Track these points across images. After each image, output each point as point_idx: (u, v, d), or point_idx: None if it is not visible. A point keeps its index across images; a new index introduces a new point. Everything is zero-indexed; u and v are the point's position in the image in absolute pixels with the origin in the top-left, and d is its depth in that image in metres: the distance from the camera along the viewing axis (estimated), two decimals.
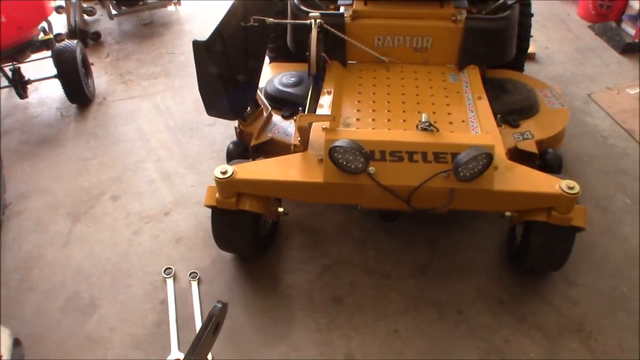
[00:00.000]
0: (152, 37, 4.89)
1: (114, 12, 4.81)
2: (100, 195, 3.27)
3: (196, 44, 2.49)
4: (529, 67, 4.12)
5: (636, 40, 4.67)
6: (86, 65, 4.03)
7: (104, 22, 5.09)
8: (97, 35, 4.80)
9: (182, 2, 5.15)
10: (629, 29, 4.93)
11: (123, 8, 4.85)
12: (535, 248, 2.52)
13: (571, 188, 2.27)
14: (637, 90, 4.15)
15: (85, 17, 4.89)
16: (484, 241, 2.94)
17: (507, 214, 2.61)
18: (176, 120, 3.86)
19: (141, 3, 4.90)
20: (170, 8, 5.23)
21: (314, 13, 2.86)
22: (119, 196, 3.26)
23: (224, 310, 2.11)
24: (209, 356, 2.41)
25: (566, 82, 4.24)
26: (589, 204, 3.08)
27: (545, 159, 2.91)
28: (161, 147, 3.63)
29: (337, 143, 2.21)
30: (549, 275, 2.75)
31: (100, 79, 4.31)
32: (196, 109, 3.90)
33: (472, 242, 2.93)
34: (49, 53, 3.91)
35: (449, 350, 2.44)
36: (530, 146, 2.88)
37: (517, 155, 2.80)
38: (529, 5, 3.58)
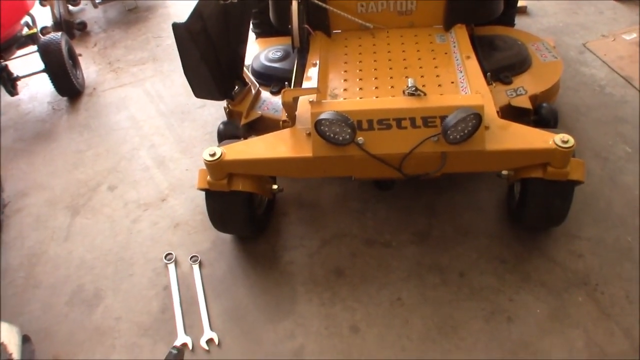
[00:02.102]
0: (137, 22, 4.84)
1: (98, 0, 4.74)
2: (97, 187, 3.27)
3: (176, 26, 2.45)
4: (520, 21, 4.04)
5: None
6: (73, 56, 4.00)
7: (89, 11, 5.03)
8: (83, 25, 4.75)
9: None
10: None
11: None
12: (534, 205, 2.49)
13: (565, 142, 2.23)
14: (635, 36, 4.06)
15: (70, 7, 4.84)
16: (482, 202, 2.91)
17: (504, 172, 2.58)
18: (167, 105, 3.83)
19: None
20: None
21: None
22: (116, 186, 3.26)
23: (180, 355, 2.16)
24: (215, 338, 2.43)
25: (560, 33, 4.15)
26: (589, 155, 3.04)
27: (541, 113, 2.85)
28: (154, 133, 3.61)
29: (322, 116, 2.18)
30: (550, 231, 2.72)
31: (89, 69, 4.28)
32: (186, 92, 3.83)
33: (471, 203, 2.91)
34: (35, 47, 3.87)
35: (453, 314, 2.43)
36: (524, 102, 2.82)
37: (512, 112, 2.75)
38: None
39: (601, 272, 2.54)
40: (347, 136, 2.22)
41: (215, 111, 3.68)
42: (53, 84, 3.84)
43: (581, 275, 2.53)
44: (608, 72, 3.74)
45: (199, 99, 3.52)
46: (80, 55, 4.19)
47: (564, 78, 3.10)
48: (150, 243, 2.91)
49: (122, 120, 3.75)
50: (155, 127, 3.66)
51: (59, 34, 3.85)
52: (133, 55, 4.40)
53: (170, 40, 4.50)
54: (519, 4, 3.79)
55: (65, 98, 3.99)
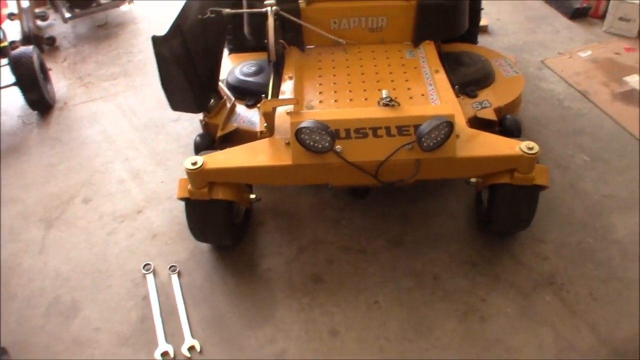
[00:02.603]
0: (108, 38, 4.85)
1: (67, 15, 4.73)
2: (71, 200, 3.26)
3: (155, 39, 2.51)
4: (482, 40, 4.21)
5: (585, 5, 4.81)
6: (44, 70, 3.99)
7: (58, 26, 5.01)
8: (52, 40, 4.73)
9: (135, 1, 5.10)
10: None
11: (77, 10, 4.78)
12: (502, 210, 2.62)
13: (531, 148, 2.37)
14: (589, 53, 4.30)
15: (39, 22, 4.82)
16: (452, 209, 3.04)
17: (472, 180, 2.71)
18: (140, 119, 3.85)
19: (94, 4, 4.84)
20: (124, 8, 5.16)
21: (270, 1, 2.89)
22: (90, 198, 3.26)
23: None
24: (197, 345, 2.46)
25: (519, 51, 4.36)
26: (550, 164, 3.20)
27: (505, 125, 3.01)
28: (128, 146, 3.62)
29: (303, 124, 2.26)
30: (517, 235, 2.86)
31: (59, 83, 4.26)
32: (159, 106, 3.90)
33: (442, 211, 3.03)
34: (4, 61, 3.85)
35: (429, 315, 2.53)
36: (489, 114, 2.98)
37: (478, 123, 2.89)
38: None
39: (566, 272, 2.69)
40: (327, 144, 2.30)
41: (189, 125, 3.72)
42: (24, 98, 3.81)
43: (547, 276, 2.67)
44: (565, 87, 3.95)
45: (172, 113, 3.62)
46: (50, 69, 4.18)
47: (524, 92, 3.28)
48: (127, 254, 2.92)
49: (95, 134, 3.76)
50: (128, 140, 3.67)
51: (31, 47, 3.84)
52: (104, 71, 4.41)
53: (141, 56, 4.54)
54: (481, 23, 3.98)
55: (35, 112, 3.97)
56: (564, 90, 3.92)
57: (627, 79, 4.00)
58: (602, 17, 4.68)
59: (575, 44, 4.45)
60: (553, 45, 4.45)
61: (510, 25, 4.74)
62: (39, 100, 3.85)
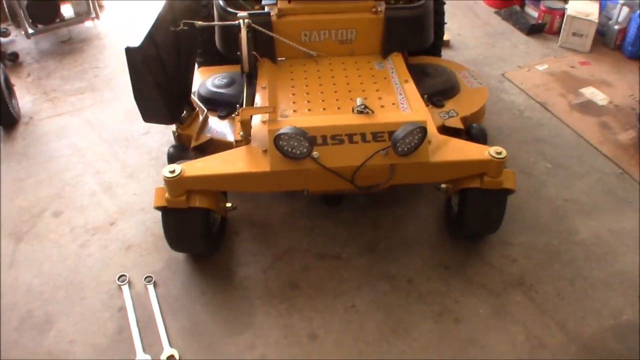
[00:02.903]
0: (72, 53, 4.80)
1: (30, 31, 4.69)
2: (41, 213, 3.21)
3: (129, 50, 2.52)
4: (445, 53, 4.37)
5: (540, 22, 5.04)
6: (9, 85, 3.93)
7: (20, 42, 4.93)
8: (15, 56, 4.66)
9: (100, 16, 5.09)
10: (532, 12, 5.32)
11: (40, 26, 4.73)
12: (472, 213, 2.72)
13: (499, 153, 2.49)
14: (546, 66, 4.49)
15: (1, 38, 4.75)
16: (423, 215, 3.12)
17: (443, 185, 2.81)
18: (110, 132, 3.83)
19: (58, 20, 4.80)
20: (88, 23, 5.14)
21: (242, 13, 2.95)
22: (61, 212, 3.22)
23: None
24: (176, 354, 2.46)
25: (480, 64, 4.53)
26: (515, 171, 3.31)
27: (471, 133, 3.14)
28: (98, 159, 3.59)
29: (282, 131, 2.31)
30: (487, 238, 2.96)
31: (24, 99, 4.20)
32: (128, 120, 3.89)
33: (413, 217, 3.11)
34: None
35: (404, 318, 2.59)
36: (456, 123, 3.10)
37: (445, 132, 2.99)
38: None
39: (534, 273, 2.79)
40: (305, 150, 2.36)
41: (159, 138, 3.72)
42: None
43: (517, 277, 2.77)
44: (525, 98, 4.12)
45: (142, 126, 3.63)
46: (14, 85, 4.12)
47: (487, 103, 3.41)
48: (101, 266, 2.89)
49: (63, 148, 3.71)
50: (99, 154, 3.64)
51: None
52: (70, 86, 4.36)
53: (108, 70, 4.52)
54: (443, 37, 4.12)
55: (0, 127, 3.90)
56: (524, 101, 4.09)
57: (583, 90, 4.21)
58: (557, 32, 4.92)
59: (532, 58, 4.65)
60: (512, 59, 4.64)
61: (471, 40, 4.92)
62: (5, 115, 3.79)
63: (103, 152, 3.66)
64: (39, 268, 2.90)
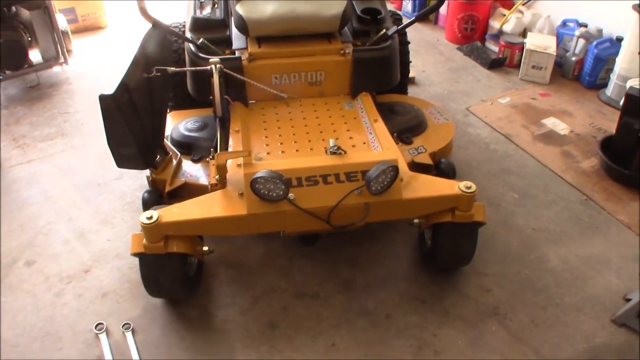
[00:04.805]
0: (41, 99, 4.80)
1: None
2: (13, 263, 3.17)
3: (103, 98, 2.54)
4: (411, 90, 4.49)
5: (500, 56, 5.24)
6: None
7: None
8: None
9: (68, 61, 5.10)
10: (493, 47, 5.53)
11: (8, 72, 4.73)
12: (445, 247, 2.79)
13: (469, 187, 2.57)
14: (508, 99, 4.66)
15: None
16: (397, 250, 3.18)
17: (416, 221, 2.88)
18: (81, 178, 3.82)
19: (26, 66, 4.80)
20: (57, 68, 5.15)
21: (214, 59, 3.01)
22: (34, 261, 3.18)
23: None
24: None
25: (445, 100, 4.67)
26: (484, 203, 3.37)
27: (440, 168, 3.22)
28: (70, 206, 3.57)
29: (258, 174, 2.36)
30: (460, 270, 3.03)
31: None
32: (100, 165, 3.88)
33: (388, 252, 3.16)
34: None
35: (385, 353, 2.62)
36: (425, 158, 3.18)
37: (415, 168, 3.06)
38: (405, 34, 3.97)
39: (508, 302, 2.86)
40: (281, 192, 2.41)
41: (132, 182, 3.73)
42: None
43: (492, 307, 2.84)
44: (490, 131, 4.26)
45: (114, 171, 3.64)
46: None
47: (454, 138, 3.51)
48: (77, 315, 2.86)
49: (34, 195, 3.69)
50: (70, 200, 3.63)
51: None
52: (39, 131, 4.35)
53: (78, 116, 4.52)
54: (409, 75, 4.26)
55: None
56: (489, 134, 4.23)
57: (544, 121, 4.38)
58: (517, 66, 5.12)
59: (495, 91, 4.82)
60: (475, 93, 4.80)
61: (435, 76, 5.07)
62: None
63: (75, 199, 3.64)
64: (13, 319, 2.85)
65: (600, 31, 4.89)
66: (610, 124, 4.33)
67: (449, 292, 2.91)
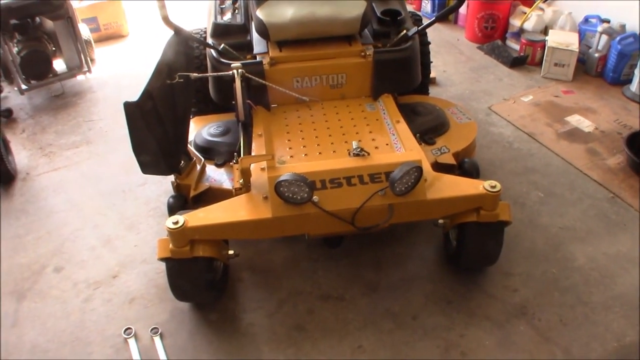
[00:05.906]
0: (66, 107, 4.88)
1: (24, 87, 4.76)
2: (42, 270, 3.22)
3: (127, 105, 2.57)
4: (432, 91, 4.48)
5: (522, 54, 5.19)
6: (5, 142, 3.98)
7: (13, 98, 5.01)
8: (8, 112, 4.72)
9: (92, 70, 5.18)
10: (514, 45, 5.48)
11: (33, 82, 4.82)
12: (471, 247, 2.77)
13: (493, 187, 2.55)
14: (531, 97, 4.61)
15: None
16: (422, 251, 3.17)
17: (440, 221, 2.87)
18: (107, 185, 3.87)
19: (51, 75, 4.89)
20: (80, 77, 5.24)
21: (236, 64, 3.03)
22: (62, 267, 3.23)
23: None
24: None
25: (467, 99, 4.64)
26: (509, 202, 3.36)
27: (464, 168, 3.21)
28: (96, 213, 3.62)
29: (282, 177, 2.37)
30: (486, 270, 3.00)
31: (20, 155, 4.25)
32: (125, 172, 3.93)
33: (413, 254, 3.15)
34: None
35: (412, 354, 2.61)
36: (449, 159, 3.17)
37: (439, 168, 3.05)
38: (425, 35, 3.95)
39: (535, 302, 2.83)
40: (305, 195, 2.41)
41: (156, 188, 3.77)
42: None
43: (519, 307, 2.81)
44: (513, 130, 4.22)
45: (139, 178, 3.68)
46: (9, 142, 4.16)
47: (477, 137, 3.49)
48: (106, 320, 2.90)
49: (61, 203, 3.75)
50: (96, 207, 3.68)
51: None
52: (65, 140, 4.42)
53: (102, 123, 4.58)
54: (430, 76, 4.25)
55: None
56: (512, 133, 4.19)
57: (568, 118, 4.33)
58: (539, 64, 5.07)
59: (517, 90, 4.78)
60: (497, 92, 4.76)
61: (456, 76, 5.05)
62: (2, 171, 3.83)
63: (100, 205, 3.69)
64: (44, 325, 2.90)
65: (623, 26, 4.81)
66: (635, 120, 4.27)
67: (476, 293, 2.89)
